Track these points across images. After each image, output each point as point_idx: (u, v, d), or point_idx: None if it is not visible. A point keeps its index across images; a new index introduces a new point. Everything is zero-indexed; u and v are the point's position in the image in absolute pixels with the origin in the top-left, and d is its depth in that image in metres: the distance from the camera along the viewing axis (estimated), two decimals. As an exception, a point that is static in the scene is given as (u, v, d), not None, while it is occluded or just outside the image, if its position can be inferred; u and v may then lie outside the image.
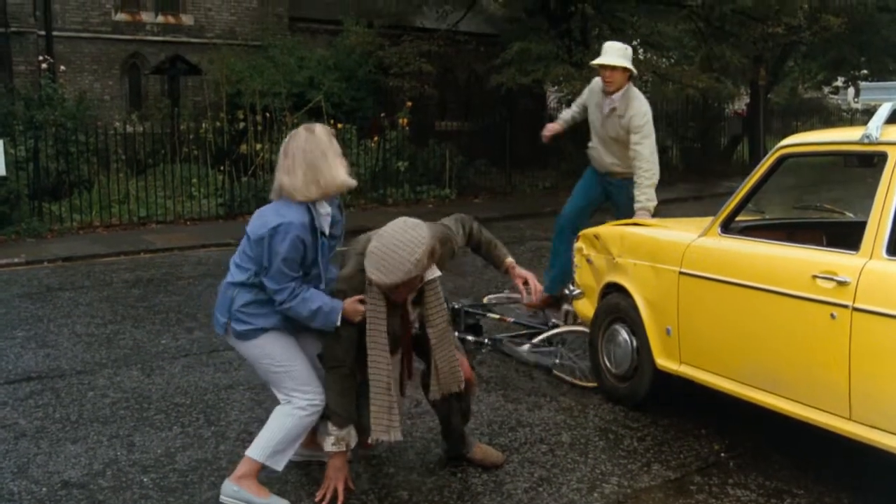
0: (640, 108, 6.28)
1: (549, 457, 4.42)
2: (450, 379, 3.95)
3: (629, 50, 6.41)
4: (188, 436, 4.75)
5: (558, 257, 6.78)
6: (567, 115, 7.01)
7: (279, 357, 3.82)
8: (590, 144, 6.72)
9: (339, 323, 3.74)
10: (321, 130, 3.82)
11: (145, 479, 4.19)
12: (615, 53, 6.31)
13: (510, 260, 4.23)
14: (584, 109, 6.78)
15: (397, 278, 3.53)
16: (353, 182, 3.84)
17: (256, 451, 3.83)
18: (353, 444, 3.91)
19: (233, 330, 3.84)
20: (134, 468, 4.32)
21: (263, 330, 3.80)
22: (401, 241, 3.53)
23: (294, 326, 3.87)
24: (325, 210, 3.83)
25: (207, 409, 5.19)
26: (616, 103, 6.32)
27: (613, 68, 6.25)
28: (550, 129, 6.99)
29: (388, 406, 3.80)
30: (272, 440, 3.82)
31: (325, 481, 3.89)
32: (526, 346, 5.94)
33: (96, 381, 5.75)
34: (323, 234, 3.79)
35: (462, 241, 4.15)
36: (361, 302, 3.75)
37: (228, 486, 3.86)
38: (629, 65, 6.29)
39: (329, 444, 3.85)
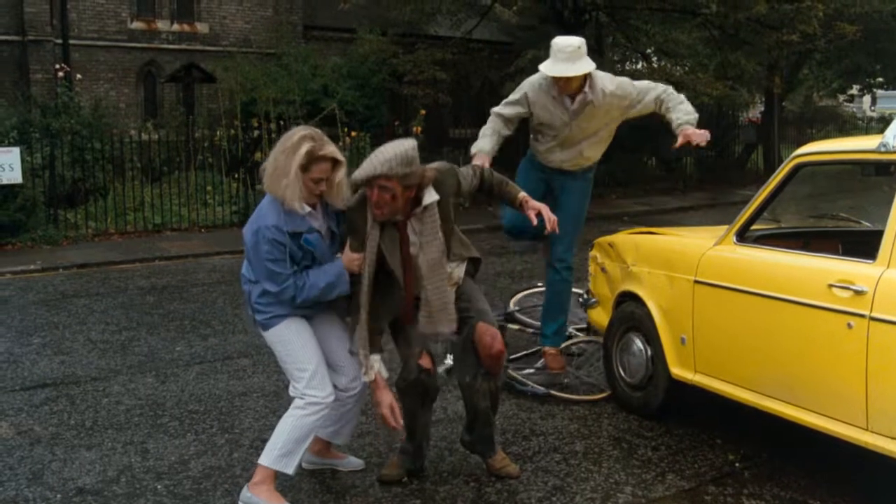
0: (617, 81, 5.35)
1: (562, 466, 4.40)
2: (441, 314, 3.97)
3: (584, 44, 5.18)
4: (202, 443, 4.76)
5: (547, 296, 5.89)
6: (489, 143, 5.53)
7: (292, 345, 3.92)
8: (543, 144, 5.58)
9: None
10: (305, 148, 3.75)
11: (159, 486, 4.20)
12: (576, 58, 5.12)
13: (523, 194, 4.31)
14: (519, 120, 5.63)
15: (366, 172, 3.75)
16: (293, 206, 3.80)
17: (265, 457, 3.91)
18: (384, 374, 3.99)
19: (258, 322, 3.97)
20: (148, 475, 4.34)
21: (280, 317, 3.91)
22: (380, 149, 3.82)
23: (314, 313, 4.02)
24: (305, 210, 3.86)
25: (221, 416, 5.20)
26: (589, 95, 5.24)
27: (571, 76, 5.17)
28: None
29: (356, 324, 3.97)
30: (277, 443, 3.89)
31: (379, 419, 4.14)
32: (531, 370, 5.72)
33: (111, 388, 5.77)
34: (306, 232, 3.84)
35: (476, 182, 4.22)
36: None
37: (244, 493, 3.92)
38: (589, 66, 5.15)
39: (363, 377, 4.03)
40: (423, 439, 4.28)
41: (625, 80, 5.39)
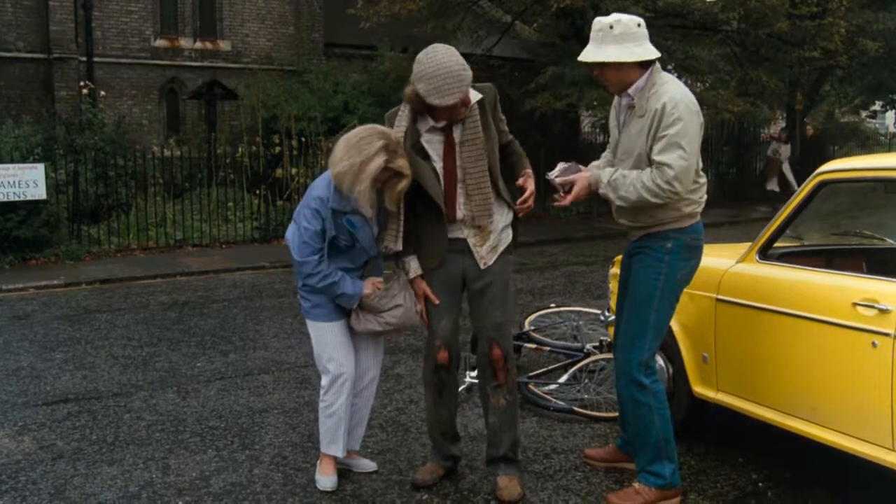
0: (672, 93, 3.79)
1: (584, 484, 4.37)
2: (481, 207, 4.06)
3: (632, 26, 3.84)
4: (223, 459, 4.77)
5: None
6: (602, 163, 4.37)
7: (327, 344, 4.23)
8: None
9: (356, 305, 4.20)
10: (379, 146, 3.90)
11: (180, 503, 4.20)
12: (601, 41, 3.87)
13: (528, 171, 4.32)
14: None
15: (447, 101, 3.87)
16: (362, 207, 3.98)
17: (321, 445, 4.38)
18: (411, 273, 4.17)
19: (302, 308, 4.29)
20: (169, 491, 4.34)
21: (320, 309, 4.20)
22: (434, 70, 3.89)
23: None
24: (371, 213, 4.09)
25: (242, 432, 5.21)
26: (633, 99, 3.91)
27: (601, 66, 3.91)
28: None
29: (396, 224, 4.11)
30: (321, 434, 4.35)
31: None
32: (554, 386, 5.72)
33: (132, 404, 5.80)
34: (350, 212, 4.03)
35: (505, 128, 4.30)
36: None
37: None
38: (617, 55, 3.81)
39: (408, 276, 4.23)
40: (446, 436, 4.40)
41: (674, 107, 3.76)
